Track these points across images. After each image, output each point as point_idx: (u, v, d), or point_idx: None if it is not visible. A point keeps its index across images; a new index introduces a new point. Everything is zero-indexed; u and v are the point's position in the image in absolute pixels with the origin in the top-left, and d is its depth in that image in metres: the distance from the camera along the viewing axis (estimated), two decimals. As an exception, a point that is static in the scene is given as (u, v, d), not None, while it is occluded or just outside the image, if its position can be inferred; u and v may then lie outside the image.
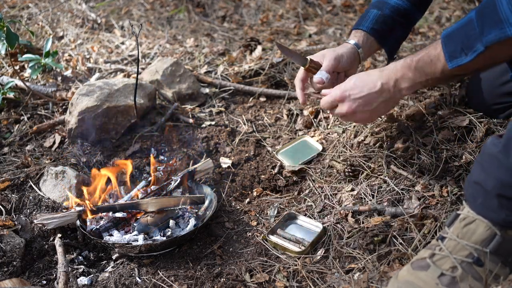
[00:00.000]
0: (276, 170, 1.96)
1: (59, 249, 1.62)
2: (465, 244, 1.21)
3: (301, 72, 1.73)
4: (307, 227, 1.68)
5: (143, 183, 1.90)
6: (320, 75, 1.66)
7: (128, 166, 1.92)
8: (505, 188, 1.15)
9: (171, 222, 1.73)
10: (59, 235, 1.70)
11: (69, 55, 2.76)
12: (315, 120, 2.16)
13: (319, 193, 1.79)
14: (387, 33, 1.75)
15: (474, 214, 1.22)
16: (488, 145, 1.22)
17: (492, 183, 1.17)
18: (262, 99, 2.38)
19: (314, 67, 1.68)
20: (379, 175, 1.75)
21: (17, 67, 2.62)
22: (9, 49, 2.10)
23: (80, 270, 1.62)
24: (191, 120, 2.22)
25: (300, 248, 1.58)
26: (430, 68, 1.36)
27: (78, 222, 1.72)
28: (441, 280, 1.20)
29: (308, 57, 1.69)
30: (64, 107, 2.34)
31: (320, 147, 1.99)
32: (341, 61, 1.68)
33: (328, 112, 1.64)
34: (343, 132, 2.00)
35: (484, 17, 1.20)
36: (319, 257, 1.54)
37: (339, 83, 1.58)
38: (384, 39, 1.76)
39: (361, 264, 1.46)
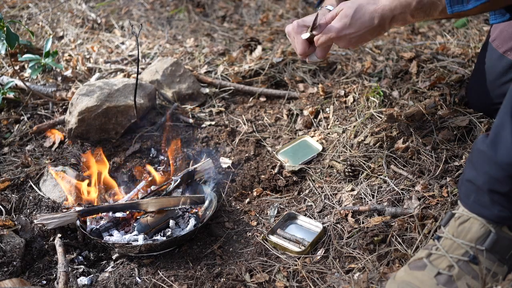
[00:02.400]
0: (276, 170, 1.96)
1: (59, 249, 1.62)
2: (460, 243, 1.22)
3: (301, 45, 1.70)
4: (307, 227, 1.68)
5: (143, 183, 1.90)
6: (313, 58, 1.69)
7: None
8: (495, 183, 1.16)
9: (171, 222, 1.73)
10: (59, 235, 1.70)
11: (69, 55, 2.76)
12: (315, 120, 2.16)
13: (319, 193, 1.79)
14: None
15: (468, 213, 1.23)
16: (478, 143, 1.22)
17: (482, 179, 1.18)
18: (262, 99, 2.38)
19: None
20: (379, 175, 1.75)
21: (17, 67, 2.62)
22: (9, 49, 2.10)
23: (80, 270, 1.62)
24: (191, 120, 2.22)
25: (300, 248, 1.58)
26: (430, 10, 1.35)
27: (78, 222, 1.72)
28: (438, 279, 1.20)
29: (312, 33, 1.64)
30: (64, 107, 2.35)
31: (320, 147, 1.99)
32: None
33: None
34: (343, 132, 2.00)
35: None
36: (319, 257, 1.54)
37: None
38: None
39: (361, 264, 1.46)
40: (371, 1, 1.45)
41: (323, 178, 1.85)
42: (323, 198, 1.77)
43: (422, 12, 1.38)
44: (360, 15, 1.45)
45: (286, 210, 1.78)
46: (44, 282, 1.59)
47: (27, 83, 2.39)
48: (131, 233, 1.70)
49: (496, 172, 1.15)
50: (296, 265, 1.52)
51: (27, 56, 2.28)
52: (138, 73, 2.04)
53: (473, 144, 1.25)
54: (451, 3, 1.29)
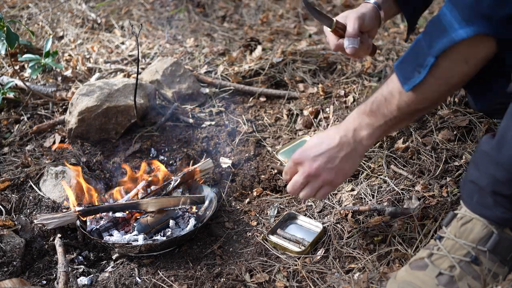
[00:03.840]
0: (276, 170, 1.96)
1: (59, 249, 1.62)
2: (462, 243, 1.22)
3: (332, 37, 1.69)
4: (307, 227, 1.68)
5: (143, 183, 1.90)
6: (350, 43, 1.62)
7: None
8: (499, 185, 1.15)
9: (171, 222, 1.73)
10: (59, 235, 1.70)
11: (69, 55, 2.76)
12: (315, 120, 2.16)
13: (319, 193, 1.79)
14: None
15: (470, 213, 1.23)
16: (482, 143, 1.22)
17: (486, 180, 1.17)
18: (262, 99, 2.38)
19: (341, 28, 1.66)
20: (379, 175, 1.75)
21: (17, 67, 2.62)
22: (9, 49, 2.10)
23: (80, 270, 1.62)
24: (191, 120, 2.22)
25: (300, 248, 1.58)
26: (387, 107, 1.28)
27: (78, 222, 1.72)
28: (439, 280, 1.20)
29: (334, 19, 1.66)
30: (64, 107, 2.35)
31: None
32: (365, 19, 1.63)
33: (299, 197, 1.48)
34: (343, 132, 2.00)
35: (431, 32, 1.18)
36: (319, 257, 1.54)
37: (365, 45, 1.57)
38: (404, 4, 1.69)
39: (361, 264, 1.46)
40: (336, 125, 1.41)
41: (323, 178, 1.85)
42: (323, 198, 1.76)
43: (379, 114, 1.31)
44: (323, 134, 1.40)
45: (286, 210, 1.78)
46: (44, 282, 1.59)
47: (27, 83, 2.39)
48: (131, 233, 1.70)
49: (500, 174, 1.14)
50: (296, 265, 1.52)
51: (27, 56, 2.28)
52: (138, 73, 2.04)
53: (477, 144, 1.24)
54: (404, 80, 1.23)
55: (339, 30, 1.65)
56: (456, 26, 1.11)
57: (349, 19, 1.63)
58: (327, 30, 1.69)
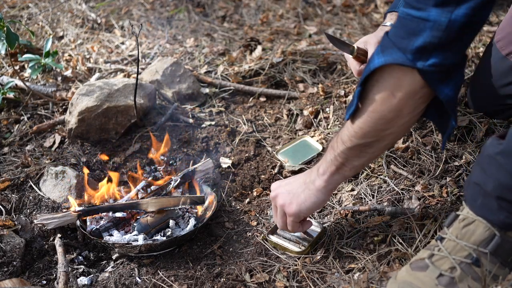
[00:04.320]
0: (276, 170, 1.96)
1: (59, 249, 1.62)
2: (464, 245, 1.21)
3: (353, 63, 1.74)
4: None
5: (142, 183, 1.90)
6: None
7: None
8: (505, 190, 1.15)
9: (171, 222, 1.73)
10: (59, 235, 1.70)
11: (69, 55, 2.76)
12: (315, 120, 2.16)
13: (319, 193, 1.79)
14: None
15: (473, 215, 1.22)
16: (488, 146, 1.21)
17: (492, 184, 1.17)
18: (262, 99, 2.38)
19: (362, 53, 1.70)
20: (379, 175, 1.75)
21: (17, 67, 2.62)
22: (9, 49, 2.10)
23: (80, 270, 1.62)
24: (191, 120, 2.22)
25: (300, 248, 1.58)
26: (336, 141, 1.34)
27: (78, 222, 1.72)
28: (439, 281, 1.20)
29: (355, 45, 1.70)
30: (64, 107, 2.35)
31: (320, 147, 1.99)
32: None
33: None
34: (343, 132, 2.00)
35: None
36: (319, 257, 1.54)
37: None
38: None
39: (361, 264, 1.46)
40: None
41: (323, 178, 1.85)
42: (323, 198, 1.76)
43: (330, 148, 1.37)
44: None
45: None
46: (44, 282, 1.59)
47: (27, 83, 2.39)
48: (131, 233, 1.70)
49: (507, 180, 1.14)
50: (296, 265, 1.52)
51: (27, 56, 2.28)
52: (138, 73, 2.04)
53: (483, 147, 1.24)
54: (347, 112, 1.30)
55: (361, 56, 1.70)
56: (375, 57, 1.19)
57: (369, 44, 1.69)
58: (348, 57, 1.74)
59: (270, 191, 1.89)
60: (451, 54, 1.13)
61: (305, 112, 2.20)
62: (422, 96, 1.20)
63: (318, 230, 1.62)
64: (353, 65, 1.77)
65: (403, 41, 1.14)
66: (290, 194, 1.46)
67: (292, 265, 1.53)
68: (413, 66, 1.14)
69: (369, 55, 1.68)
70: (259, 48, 2.64)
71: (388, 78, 1.19)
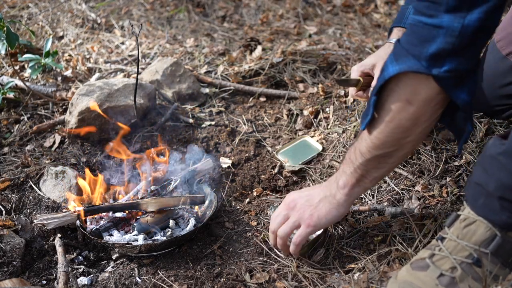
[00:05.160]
0: (276, 170, 1.96)
1: (59, 249, 1.62)
2: (465, 245, 1.21)
3: (352, 90, 1.79)
4: None
5: (143, 183, 1.90)
6: None
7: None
8: (507, 191, 1.15)
9: (171, 222, 1.73)
10: (59, 235, 1.70)
11: (69, 55, 2.76)
12: (315, 120, 2.16)
13: (319, 193, 1.79)
14: None
15: (474, 215, 1.22)
16: (490, 146, 1.21)
17: (494, 185, 1.17)
18: (262, 99, 2.38)
19: (365, 85, 1.75)
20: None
21: (17, 67, 2.62)
22: (9, 49, 2.10)
23: (80, 270, 1.62)
24: (191, 120, 2.22)
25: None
26: (354, 154, 1.34)
27: (78, 222, 1.72)
28: (440, 281, 1.20)
29: (361, 78, 1.72)
30: (64, 107, 2.35)
31: (320, 147, 1.99)
32: None
33: (278, 235, 1.54)
34: (343, 132, 2.00)
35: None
36: (319, 257, 1.54)
37: None
38: None
39: (361, 264, 1.46)
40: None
41: (323, 178, 1.85)
42: (323, 198, 1.76)
43: (349, 160, 1.37)
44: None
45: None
46: (44, 282, 1.59)
47: (27, 83, 2.39)
48: (131, 233, 1.70)
49: (509, 181, 1.14)
50: (296, 265, 1.52)
51: (27, 56, 2.28)
52: (138, 73, 2.04)
53: (484, 146, 1.24)
54: (361, 122, 1.29)
55: (364, 87, 1.75)
56: (389, 66, 1.18)
57: (376, 70, 1.71)
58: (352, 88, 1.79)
59: (270, 191, 1.89)
60: (465, 60, 1.13)
61: (305, 112, 2.20)
62: (438, 102, 1.19)
63: (319, 232, 1.61)
64: (351, 90, 1.79)
65: (416, 48, 1.14)
66: (311, 206, 1.42)
67: (292, 265, 1.53)
68: (429, 72, 1.13)
69: (375, 79, 1.67)
70: (259, 48, 2.64)
71: (404, 86, 1.18)
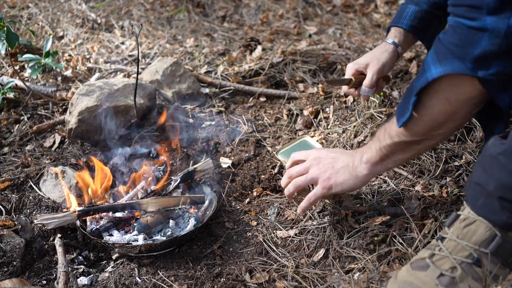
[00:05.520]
0: (276, 170, 1.96)
1: (59, 249, 1.62)
2: (465, 245, 1.21)
3: (344, 87, 1.81)
4: None
5: (143, 183, 1.90)
6: (366, 93, 1.74)
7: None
8: (507, 190, 1.15)
9: (171, 222, 1.73)
10: (59, 235, 1.70)
11: (69, 55, 2.76)
12: (315, 120, 2.16)
13: (319, 193, 1.79)
14: (426, 29, 1.76)
15: (474, 215, 1.22)
16: (490, 146, 1.21)
17: (494, 185, 1.17)
18: (262, 99, 2.38)
19: (357, 83, 1.76)
20: (379, 175, 1.75)
21: (17, 67, 2.62)
22: (9, 49, 2.10)
23: (80, 270, 1.62)
24: (191, 120, 2.22)
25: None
26: (383, 134, 1.37)
27: (78, 222, 1.72)
28: (440, 281, 1.20)
29: (352, 78, 1.75)
30: (64, 107, 2.35)
31: (320, 147, 1.99)
32: (384, 69, 1.73)
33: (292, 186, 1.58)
34: (343, 132, 2.00)
35: (418, 72, 1.26)
36: (319, 257, 1.54)
37: (378, 88, 1.74)
38: (423, 35, 1.77)
39: (361, 264, 1.46)
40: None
41: (323, 178, 1.85)
42: (323, 198, 1.76)
43: (377, 140, 1.39)
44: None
45: (286, 210, 1.78)
46: (44, 282, 1.59)
47: (27, 83, 2.39)
48: (131, 233, 1.70)
49: (509, 180, 1.14)
50: (296, 265, 1.52)
51: (27, 56, 2.28)
52: (138, 73, 2.04)
53: (484, 146, 1.24)
54: (398, 117, 1.30)
55: (356, 85, 1.77)
56: (432, 66, 1.18)
57: (369, 70, 1.73)
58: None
59: (270, 191, 1.89)
60: (510, 63, 1.12)
61: (305, 112, 2.20)
62: (477, 102, 1.21)
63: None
64: (344, 87, 1.82)
65: (460, 49, 1.13)
66: (332, 169, 1.46)
67: (292, 265, 1.53)
68: (474, 75, 1.13)
69: (367, 81, 1.71)
70: (259, 48, 2.64)
71: (447, 87, 1.19)
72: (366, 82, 1.72)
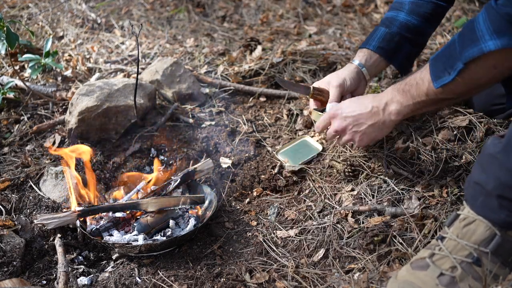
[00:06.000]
0: (276, 170, 1.96)
1: (59, 249, 1.62)
2: (465, 244, 1.21)
3: (311, 102, 1.85)
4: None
5: (142, 183, 1.90)
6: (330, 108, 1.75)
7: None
8: (505, 189, 1.15)
9: (171, 222, 1.73)
10: (59, 235, 1.70)
11: (69, 55, 2.76)
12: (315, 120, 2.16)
13: (319, 193, 1.79)
14: (394, 51, 1.78)
15: (474, 215, 1.22)
16: (488, 146, 1.22)
17: (492, 183, 1.17)
18: (262, 99, 2.38)
19: (319, 94, 1.78)
20: (379, 175, 1.75)
21: (17, 67, 2.62)
22: (9, 49, 2.10)
23: (80, 270, 1.62)
24: (191, 120, 2.22)
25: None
26: (416, 91, 1.40)
27: (78, 222, 1.72)
28: (440, 280, 1.20)
29: (311, 86, 1.78)
30: (64, 107, 2.35)
31: (320, 147, 1.99)
32: (345, 85, 1.75)
33: (323, 135, 1.73)
34: (343, 132, 2.00)
35: (464, 37, 1.24)
36: (319, 257, 1.54)
37: None
38: (392, 57, 1.79)
39: (361, 264, 1.46)
40: (374, 94, 1.54)
41: (323, 178, 1.85)
42: (323, 198, 1.77)
43: (409, 94, 1.44)
44: (360, 100, 1.56)
45: (286, 210, 1.78)
46: (44, 282, 1.59)
47: (27, 83, 2.39)
48: (131, 233, 1.70)
49: (507, 179, 1.14)
50: (296, 265, 1.52)
51: (27, 56, 2.28)
52: (138, 73, 2.04)
53: (483, 146, 1.25)
54: (435, 78, 1.33)
55: (317, 96, 1.80)
56: (486, 37, 1.18)
57: (331, 86, 1.77)
58: (310, 99, 1.86)
59: (270, 191, 1.89)
60: None
61: (305, 112, 2.20)
62: None
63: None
64: (311, 103, 1.85)
65: None
66: (360, 132, 1.57)
67: (292, 265, 1.53)
68: None
69: (331, 97, 1.75)
70: (259, 48, 2.64)
71: (499, 58, 1.20)
72: (330, 97, 1.75)
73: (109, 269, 1.63)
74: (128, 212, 1.76)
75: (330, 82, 1.77)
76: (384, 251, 1.47)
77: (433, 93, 1.36)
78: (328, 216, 1.68)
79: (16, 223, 1.73)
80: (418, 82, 1.39)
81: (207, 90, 2.43)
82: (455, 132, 1.77)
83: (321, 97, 1.79)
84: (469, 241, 1.21)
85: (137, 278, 1.55)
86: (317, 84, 1.83)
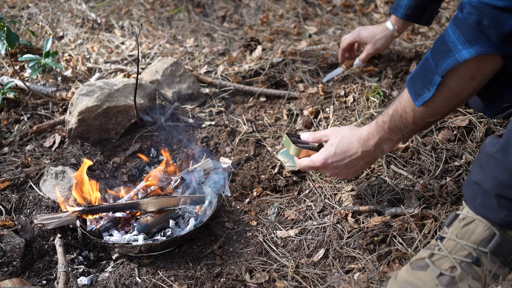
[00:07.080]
0: (276, 170, 1.96)
1: (59, 249, 1.62)
2: (464, 244, 1.21)
3: (341, 55, 2.36)
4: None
5: (142, 183, 1.90)
6: (359, 65, 2.31)
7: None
8: (504, 188, 1.15)
9: (171, 222, 1.73)
10: (59, 235, 1.70)
11: (69, 55, 2.76)
12: (315, 120, 2.16)
13: (319, 193, 1.80)
14: (420, 14, 2.07)
15: (473, 214, 1.22)
16: (487, 145, 1.22)
17: (491, 183, 1.17)
18: (262, 99, 2.38)
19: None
20: (379, 175, 1.75)
21: (17, 67, 2.62)
22: (9, 49, 2.10)
23: (80, 270, 1.62)
24: (191, 120, 2.22)
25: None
26: (403, 123, 1.40)
27: (78, 222, 1.72)
28: (440, 280, 1.20)
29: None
30: (64, 107, 2.35)
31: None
32: (376, 52, 2.25)
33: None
34: (343, 132, 1.99)
35: (437, 51, 1.25)
36: (319, 257, 1.54)
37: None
38: (418, 19, 2.10)
39: (361, 264, 1.46)
40: (354, 131, 1.53)
41: (323, 178, 1.85)
42: (323, 198, 1.77)
43: (396, 129, 1.43)
44: (346, 145, 1.52)
45: (286, 210, 1.78)
46: (44, 282, 1.59)
47: (27, 83, 2.39)
48: (131, 233, 1.70)
49: (505, 178, 1.14)
50: (296, 265, 1.52)
51: (27, 56, 2.28)
52: (138, 73, 2.04)
53: (482, 145, 1.25)
54: (416, 97, 1.32)
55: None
56: (459, 46, 1.19)
57: (365, 50, 2.26)
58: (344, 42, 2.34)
59: (270, 191, 1.89)
60: None
61: (305, 112, 2.20)
62: (493, 74, 1.23)
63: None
64: (341, 54, 2.32)
65: (489, 29, 1.15)
66: (351, 170, 1.56)
67: (292, 265, 1.53)
68: (502, 53, 1.16)
69: (362, 57, 2.21)
70: (259, 48, 2.64)
71: (475, 66, 1.20)
72: (361, 57, 2.26)
73: (109, 269, 1.63)
74: (128, 212, 1.76)
75: (366, 46, 2.25)
76: (384, 251, 1.47)
77: (419, 120, 1.35)
78: (328, 216, 1.68)
79: (16, 223, 1.73)
80: (402, 115, 1.39)
81: (207, 90, 2.43)
82: (455, 132, 1.77)
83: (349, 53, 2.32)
84: (469, 241, 1.21)
85: (137, 278, 1.55)
86: (354, 38, 2.27)
